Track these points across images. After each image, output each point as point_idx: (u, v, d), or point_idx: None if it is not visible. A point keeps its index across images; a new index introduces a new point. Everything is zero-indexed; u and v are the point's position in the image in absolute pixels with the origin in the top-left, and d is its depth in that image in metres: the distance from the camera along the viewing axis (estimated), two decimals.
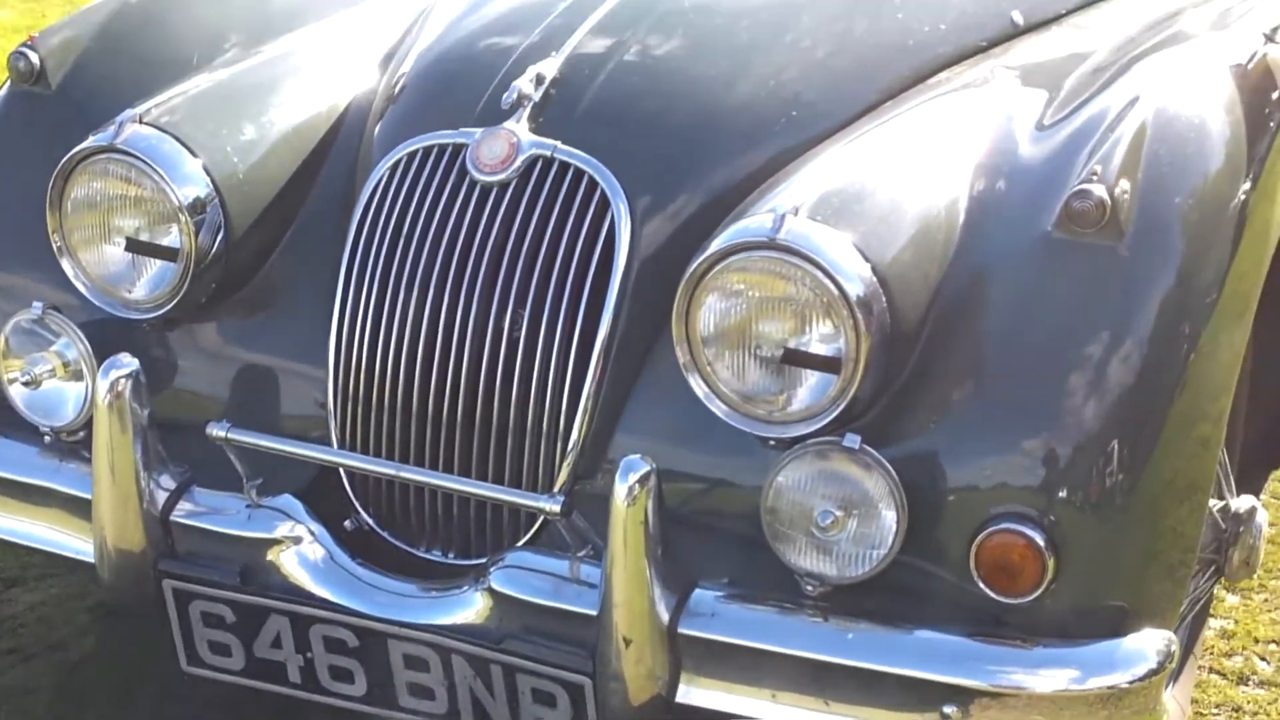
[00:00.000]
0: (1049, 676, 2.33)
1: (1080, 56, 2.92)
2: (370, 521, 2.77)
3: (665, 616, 2.42)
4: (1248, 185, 2.62)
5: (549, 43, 2.82)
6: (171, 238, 2.79)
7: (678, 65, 2.82)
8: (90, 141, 2.79)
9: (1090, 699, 2.33)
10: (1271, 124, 2.78)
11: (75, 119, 2.94)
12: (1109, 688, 2.33)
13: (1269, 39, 2.80)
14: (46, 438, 2.86)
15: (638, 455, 2.39)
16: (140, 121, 2.79)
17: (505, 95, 2.73)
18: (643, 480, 2.36)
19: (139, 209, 2.80)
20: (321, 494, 2.74)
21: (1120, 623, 2.37)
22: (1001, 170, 2.58)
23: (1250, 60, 2.76)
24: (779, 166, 2.68)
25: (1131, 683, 2.34)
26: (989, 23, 3.08)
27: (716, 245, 2.42)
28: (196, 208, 2.77)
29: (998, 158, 2.61)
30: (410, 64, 3.01)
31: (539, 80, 2.73)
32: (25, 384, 2.82)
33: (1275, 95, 2.82)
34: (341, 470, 2.76)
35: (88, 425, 2.80)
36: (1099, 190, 2.39)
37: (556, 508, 2.48)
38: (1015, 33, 3.09)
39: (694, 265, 2.43)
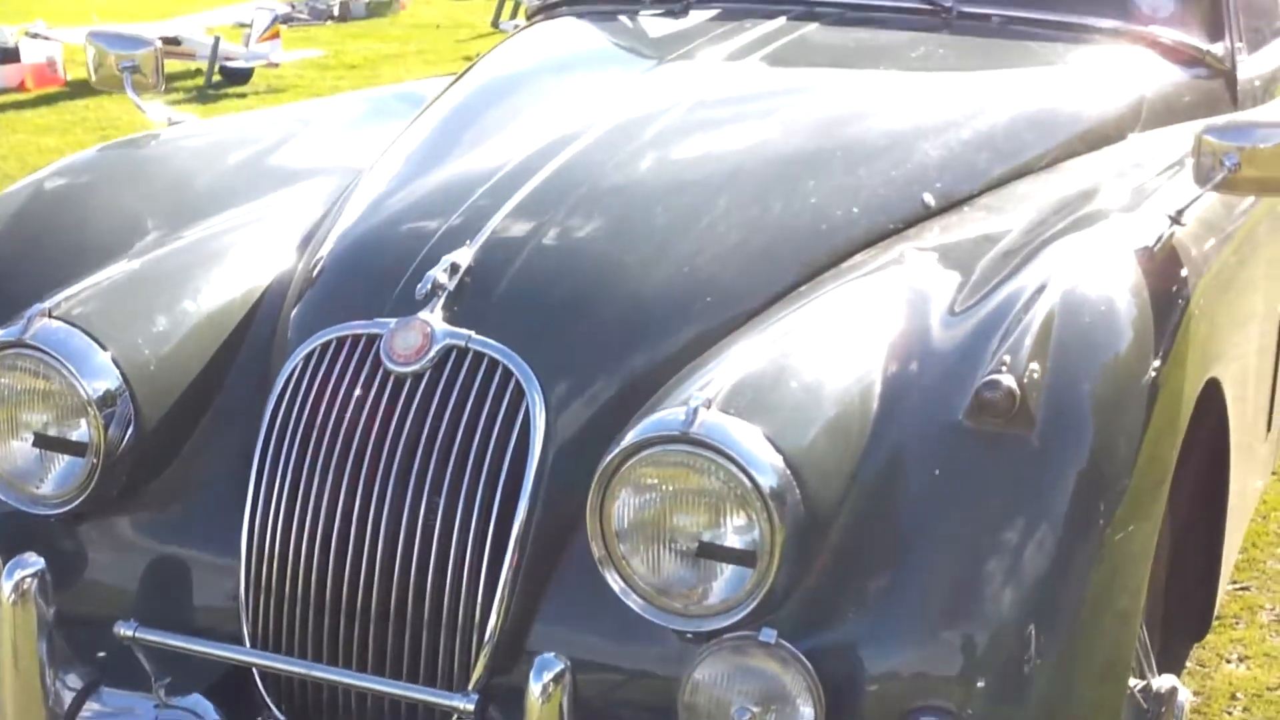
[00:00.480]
0: None
1: (991, 239, 2.96)
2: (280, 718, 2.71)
3: None
4: (1158, 363, 2.65)
5: (466, 228, 2.83)
6: (80, 432, 2.76)
7: (594, 250, 2.83)
8: None
9: None
10: (1180, 302, 2.82)
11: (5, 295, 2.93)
12: None
13: (1174, 221, 2.85)
14: None
15: (552, 654, 2.36)
16: (49, 315, 2.77)
17: (420, 285, 2.73)
18: (557, 679, 2.34)
19: (47, 403, 2.77)
20: (233, 691, 2.69)
21: None
22: (914, 357, 2.59)
23: (1157, 242, 2.81)
24: (695, 352, 2.69)
25: None
26: (901, 204, 3.11)
27: (629, 439, 2.42)
28: (106, 401, 2.74)
29: (910, 343, 2.62)
30: (328, 248, 3.01)
31: (454, 269, 2.73)
32: None
33: (1183, 273, 2.86)
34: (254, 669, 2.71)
35: None
36: (1008, 380, 2.40)
37: (470, 706, 2.45)
38: (927, 214, 3.12)
39: (607, 460, 2.42)
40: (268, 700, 2.71)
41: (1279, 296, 3.73)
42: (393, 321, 2.71)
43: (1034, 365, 2.45)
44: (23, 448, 2.79)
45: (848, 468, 2.46)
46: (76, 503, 2.78)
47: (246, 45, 11.09)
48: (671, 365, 2.67)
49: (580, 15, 4.23)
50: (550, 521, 2.60)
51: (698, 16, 3.96)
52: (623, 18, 4.14)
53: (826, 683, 2.32)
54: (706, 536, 2.40)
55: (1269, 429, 3.79)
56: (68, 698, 2.65)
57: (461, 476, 2.59)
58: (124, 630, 2.62)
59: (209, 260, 3.08)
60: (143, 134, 3.59)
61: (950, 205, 3.16)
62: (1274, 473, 4.46)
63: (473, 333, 2.67)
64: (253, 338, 2.99)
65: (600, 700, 2.47)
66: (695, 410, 2.37)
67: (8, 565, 2.62)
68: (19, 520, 2.79)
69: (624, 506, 2.42)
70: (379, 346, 2.70)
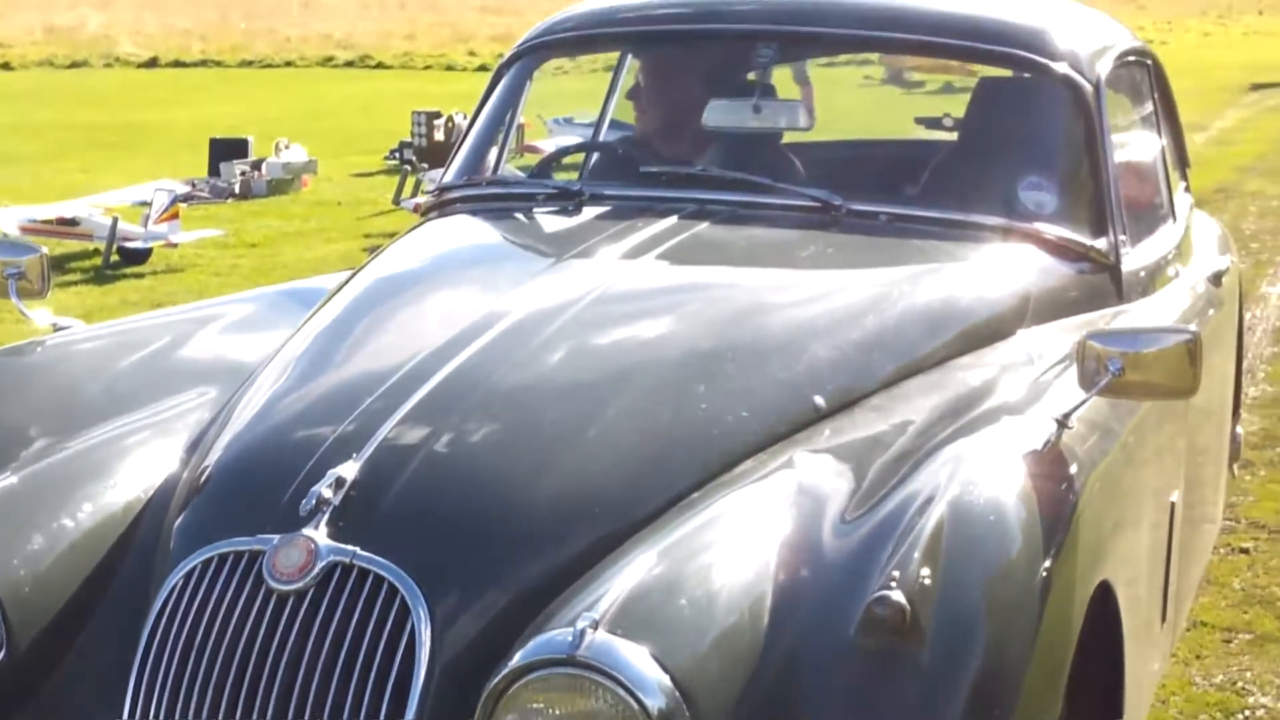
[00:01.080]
0: None
1: (881, 443, 2.96)
2: None
3: None
4: (1048, 569, 2.65)
5: (354, 438, 2.79)
6: None
7: (483, 462, 2.80)
8: None
9: None
10: (1069, 506, 2.83)
11: None
12: None
13: (1062, 424, 2.86)
14: None
15: None
16: None
17: (304, 501, 2.68)
18: None
19: None
20: None
21: None
22: (806, 568, 2.58)
23: (1045, 446, 2.82)
24: (585, 565, 2.65)
25: None
26: (792, 407, 3.11)
27: (516, 661, 2.37)
28: None
29: (802, 554, 2.61)
30: (212, 458, 2.96)
31: (339, 483, 2.69)
32: None
33: (1071, 476, 2.88)
34: None
35: None
36: (898, 596, 2.39)
37: None
38: (818, 416, 3.12)
39: (493, 682, 2.38)
40: None
41: (1168, 490, 3.75)
42: (276, 538, 2.66)
43: (925, 577, 2.44)
44: None
45: (738, 686, 2.42)
46: None
47: (145, 225, 11.05)
48: (561, 579, 2.64)
49: (474, 212, 4.24)
50: None
51: (590, 213, 3.97)
52: (517, 215, 4.16)
53: None
54: None
55: (1163, 619, 3.79)
56: None
57: (345, 697, 2.53)
58: None
59: (91, 472, 3.02)
60: (27, 341, 3.54)
61: (841, 406, 3.16)
62: (1172, 655, 4.47)
63: (358, 549, 2.62)
64: (134, 553, 2.92)
65: None
66: (582, 631, 2.34)
67: None
68: None
69: None
70: (261, 564, 2.65)
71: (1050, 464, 2.80)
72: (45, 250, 3.73)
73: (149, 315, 4.09)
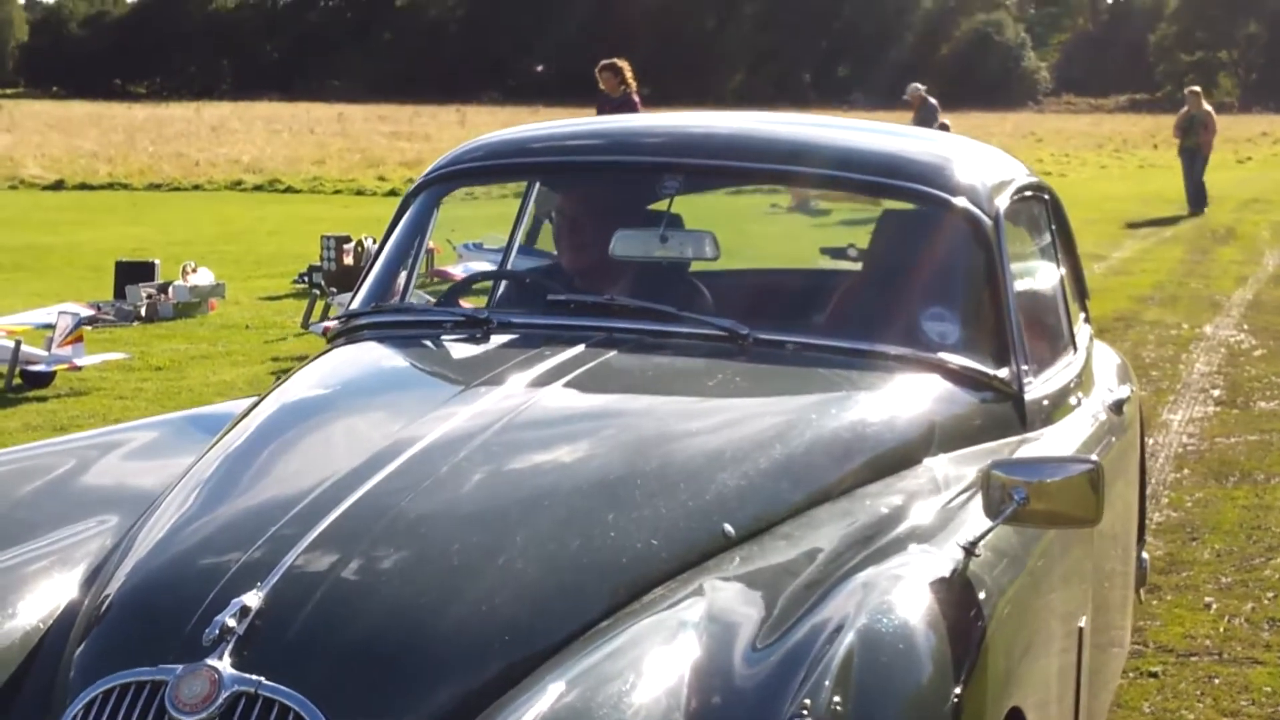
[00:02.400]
0: None
1: (790, 571, 2.98)
2: None
3: None
4: (958, 696, 2.67)
5: (259, 566, 2.77)
6: None
7: (390, 591, 2.79)
8: None
9: None
10: (977, 634, 2.86)
11: None
12: None
13: (969, 552, 2.90)
14: None
15: None
16: None
17: (207, 630, 2.66)
18: None
19: None
20: None
21: None
22: (717, 695, 2.59)
23: (952, 574, 2.85)
24: (495, 693, 2.64)
25: None
26: (701, 535, 3.12)
27: None
28: None
29: (713, 682, 2.62)
30: (113, 586, 2.94)
31: (244, 611, 2.67)
32: None
33: (979, 603, 2.91)
34: None
35: None
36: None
37: None
38: (727, 544, 3.13)
39: None
40: None
41: (1076, 616, 3.79)
42: (179, 667, 2.63)
43: (836, 704, 2.46)
44: None
45: None
46: None
47: (49, 349, 10.93)
48: (470, 707, 2.63)
49: (381, 339, 4.25)
50: None
51: (498, 341, 4.00)
52: (425, 341, 4.17)
53: None
54: None
55: None
56: None
57: None
58: None
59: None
60: None
61: (751, 534, 3.18)
62: None
63: (263, 678, 2.60)
64: (32, 682, 2.88)
65: None
66: None
67: None
68: None
69: None
70: (163, 694, 2.61)
71: (958, 591, 2.84)
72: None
73: (51, 441, 4.05)
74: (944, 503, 3.37)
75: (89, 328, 11.76)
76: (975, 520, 3.07)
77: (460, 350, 4.05)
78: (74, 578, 3.10)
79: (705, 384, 3.76)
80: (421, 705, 2.64)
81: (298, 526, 2.87)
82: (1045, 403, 4.25)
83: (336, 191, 30.38)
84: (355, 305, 4.47)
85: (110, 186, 31.15)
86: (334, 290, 13.54)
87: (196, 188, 31.14)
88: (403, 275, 4.58)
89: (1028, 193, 4.65)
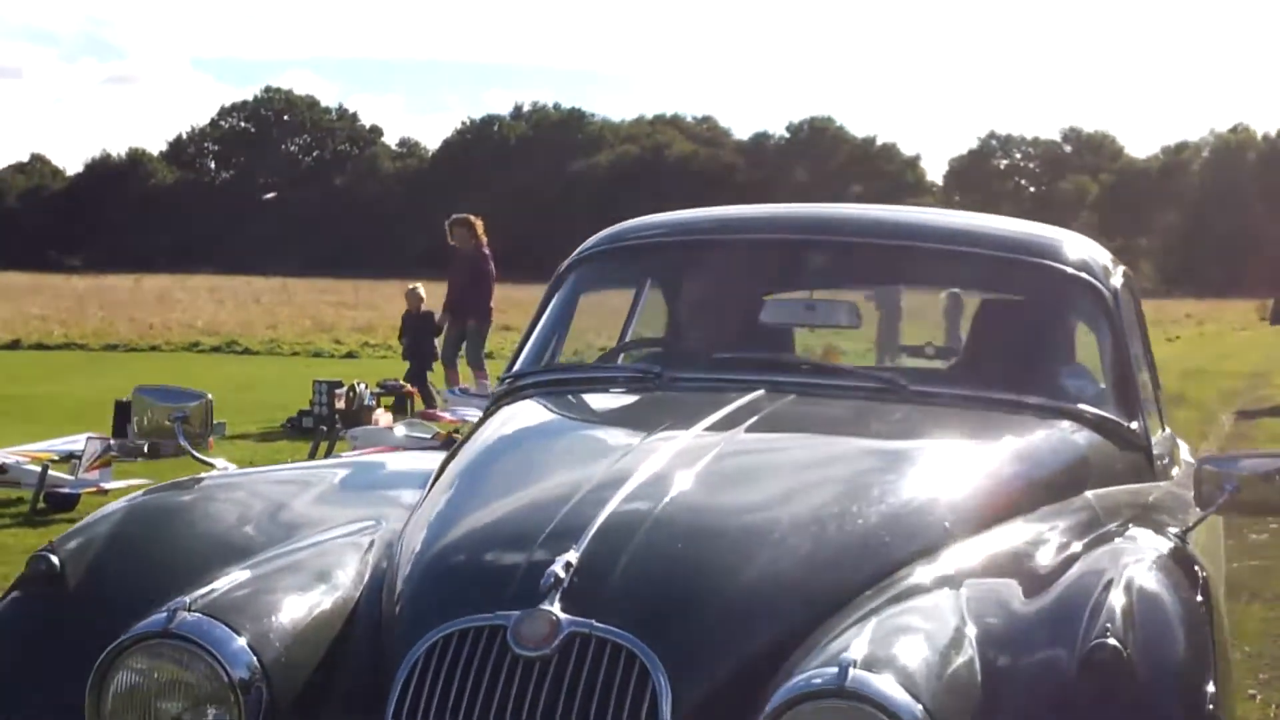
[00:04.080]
0: None
1: (1020, 554, 3.32)
2: None
3: None
4: (1213, 635, 3.05)
5: (569, 531, 3.10)
6: (216, 716, 2.89)
7: (690, 551, 3.13)
8: (141, 627, 2.92)
9: None
10: (1207, 591, 3.19)
11: (92, 618, 3.07)
12: None
13: (1182, 538, 3.26)
14: None
15: None
16: (189, 609, 2.94)
17: (542, 579, 2.96)
18: None
19: (188, 691, 2.91)
20: None
21: None
22: (1010, 629, 2.96)
23: (1176, 549, 3.22)
24: (799, 639, 2.94)
25: None
26: (928, 529, 3.44)
27: (780, 697, 2.67)
28: (246, 687, 2.90)
29: (1001, 617, 2.99)
30: (422, 552, 3.26)
31: (567, 566, 2.98)
32: None
33: (1199, 570, 3.25)
34: None
35: None
36: (1113, 641, 2.75)
37: None
38: (950, 538, 3.45)
39: (762, 716, 2.66)
40: None
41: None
42: (515, 613, 2.94)
43: (1128, 635, 2.80)
44: None
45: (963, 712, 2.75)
46: None
47: (75, 474, 11.14)
48: (782, 648, 2.93)
49: (555, 394, 4.54)
50: None
51: (675, 391, 4.30)
52: (604, 391, 4.47)
53: None
54: None
55: None
56: None
57: None
58: None
59: (302, 568, 3.28)
60: (194, 477, 3.80)
61: (966, 533, 3.52)
62: None
63: (594, 621, 2.91)
64: (359, 636, 3.16)
65: None
66: (845, 668, 2.65)
67: None
68: None
69: None
70: (504, 636, 2.91)
71: (1188, 562, 3.20)
72: (210, 396, 4.00)
73: (290, 466, 4.32)
74: (1122, 521, 3.73)
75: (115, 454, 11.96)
76: (1166, 531, 3.43)
77: (642, 398, 4.36)
78: (364, 556, 3.39)
79: (889, 418, 4.12)
80: (738, 643, 2.97)
81: (589, 507, 3.19)
82: (1165, 459, 4.64)
83: (294, 353, 30.57)
84: (517, 369, 4.77)
85: (67, 346, 31.20)
86: (340, 425, 13.79)
87: (153, 348, 31.23)
88: (552, 347, 4.90)
89: (1127, 274, 5.09)
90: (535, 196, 79.92)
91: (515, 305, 22.44)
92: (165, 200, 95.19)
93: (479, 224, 15.83)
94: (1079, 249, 4.77)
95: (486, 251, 15.76)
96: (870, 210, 5.20)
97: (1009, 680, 2.84)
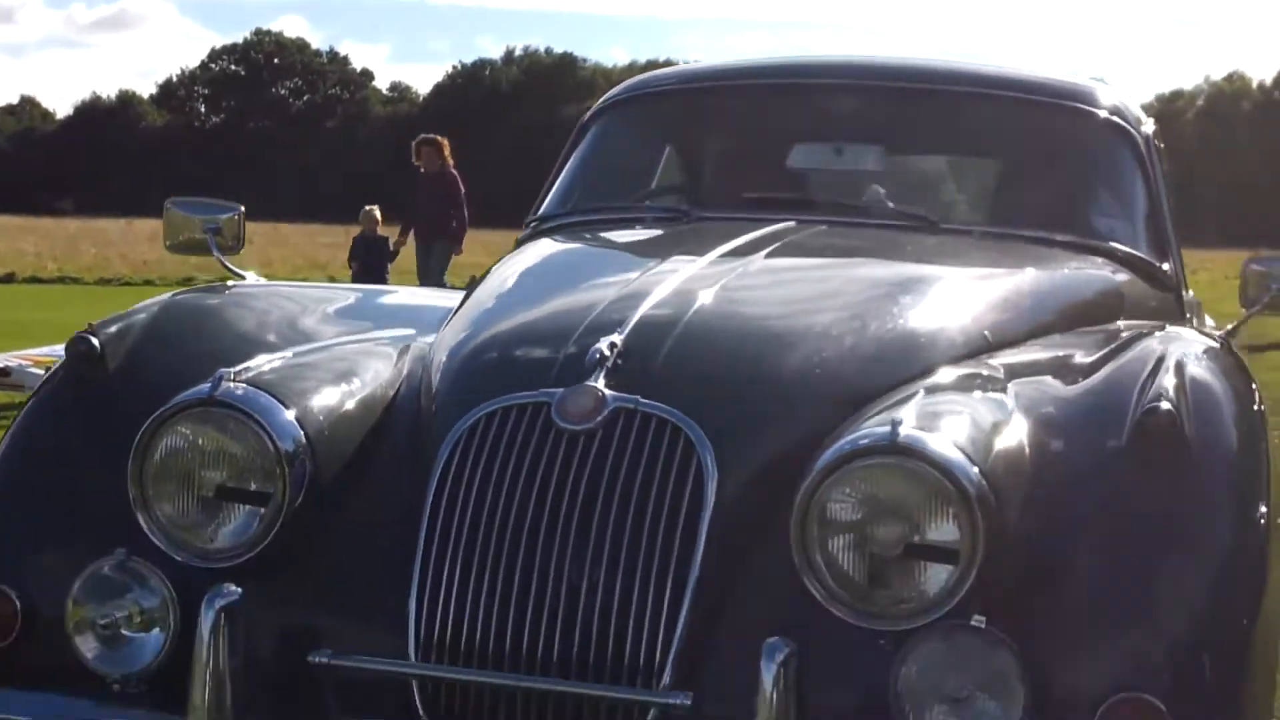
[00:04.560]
0: None
1: (1062, 358, 3.28)
2: None
3: None
4: (1258, 407, 3.03)
5: (613, 317, 3.07)
6: (263, 487, 2.88)
7: (733, 335, 3.10)
8: (186, 395, 2.90)
9: None
10: (1246, 369, 3.19)
11: (137, 398, 3.05)
12: None
13: (1224, 340, 3.25)
14: (116, 686, 2.83)
15: (778, 638, 2.52)
16: (234, 379, 2.92)
17: (586, 357, 2.94)
18: (786, 660, 2.50)
19: (232, 460, 2.89)
20: None
21: None
22: (1057, 406, 2.92)
23: (1222, 346, 3.20)
24: (841, 419, 2.92)
25: None
26: (967, 336, 3.40)
27: (833, 452, 2.65)
28: (291, 458, 2.88)
29: (1050, 397, 2.96)
30: (467, 337, 3.24)
31: (612, 346, 2.96)
32: (104, 631, 2.81)
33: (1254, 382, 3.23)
34: (420, 707, 2.78)
35: (158, 675, 2.81)
36: (1166, 406, 2.73)
37: (687, 702, 2.58)
38: (989, 347, 3.43)
39: (812, 474, 2.66)
40: None
41: None
42: (559, 390, 2.92)
43: (1182, 403, 2.79)
44: (197, 504, 2.89)
45: (1025, 486, 2.73)
46: (247, 556, 2.88)
47: None
48: (826, 426, 2.90)
49: (581, 231, 4.50)
50: (726, 569, 2.78)
51: (705, 225, 4.27)
52: (633, 225, 4.44)
53: (1033, 665, 2.53)
54: (911, 538, 2.62)
55: None
56: None
57: (641, 531, 2.77)
58: (319, 659, 2.70)
59: (347, 357, 3.26)
60: (220, 283, 3.78)
61: (1004, 344, 3.49)
62: None
63: (640, 397, 2.89)
64: (400, 421, 3.15)
65: (815, 695, 2.61)
66: (897, 424, 2.63)
67: (208, 594, 2.69)
68: (190, 575, 2.86)
69: (830, 516, 2.64)
70: (549, 411, 2.89)
71: (1233, 355, 3.18)
72: (242, 209, 3.98)
73: (319, 284, 4.29)
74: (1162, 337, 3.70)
75: None
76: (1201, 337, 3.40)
77: (671, 230, 4.32)
78: (403, 359, 3.37)
79: (923, 244, 4.09)
80: (784, 422, 2.94)
81: (635, 298, 3.17)
82: (1193, 303, 4.63)
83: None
84: (543, 212, 4.75)
85: (62, 280, 31.14)
86: None
87: (148, 282, 31.16)
88: (576, 193, 4.86)
89: (1155, 129, 5.06)
90: (528, 141, 79.74)
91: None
92: (156, 143, 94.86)
93: (446, 144, 15.54)
94: (1112, 95, 4.74)
95: (454, 174, 15.49)
96: (898, 57, 5.16)
97: (1060, 451, 2.81)
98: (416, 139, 15.72)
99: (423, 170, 15.41)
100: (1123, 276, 4.27)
